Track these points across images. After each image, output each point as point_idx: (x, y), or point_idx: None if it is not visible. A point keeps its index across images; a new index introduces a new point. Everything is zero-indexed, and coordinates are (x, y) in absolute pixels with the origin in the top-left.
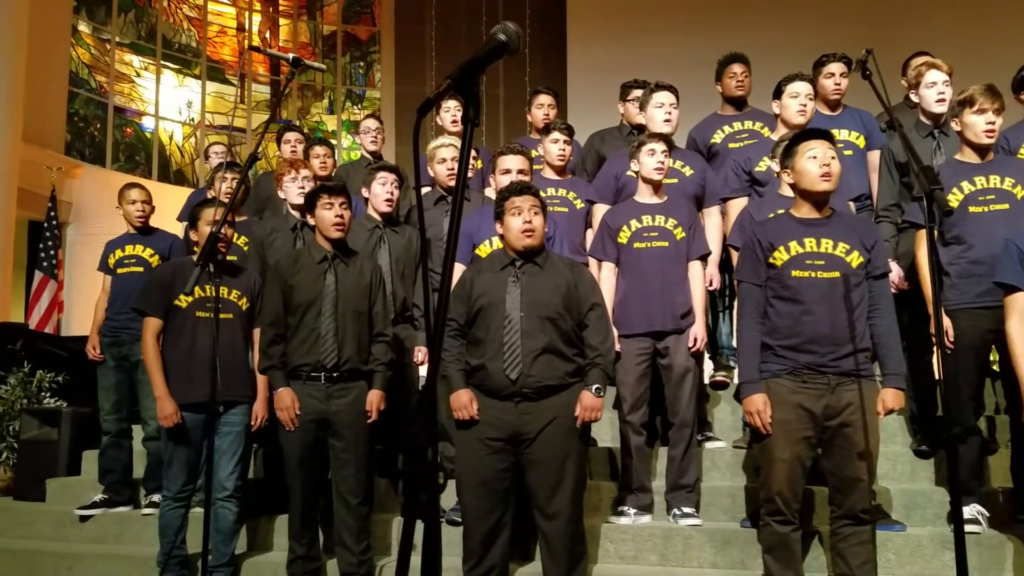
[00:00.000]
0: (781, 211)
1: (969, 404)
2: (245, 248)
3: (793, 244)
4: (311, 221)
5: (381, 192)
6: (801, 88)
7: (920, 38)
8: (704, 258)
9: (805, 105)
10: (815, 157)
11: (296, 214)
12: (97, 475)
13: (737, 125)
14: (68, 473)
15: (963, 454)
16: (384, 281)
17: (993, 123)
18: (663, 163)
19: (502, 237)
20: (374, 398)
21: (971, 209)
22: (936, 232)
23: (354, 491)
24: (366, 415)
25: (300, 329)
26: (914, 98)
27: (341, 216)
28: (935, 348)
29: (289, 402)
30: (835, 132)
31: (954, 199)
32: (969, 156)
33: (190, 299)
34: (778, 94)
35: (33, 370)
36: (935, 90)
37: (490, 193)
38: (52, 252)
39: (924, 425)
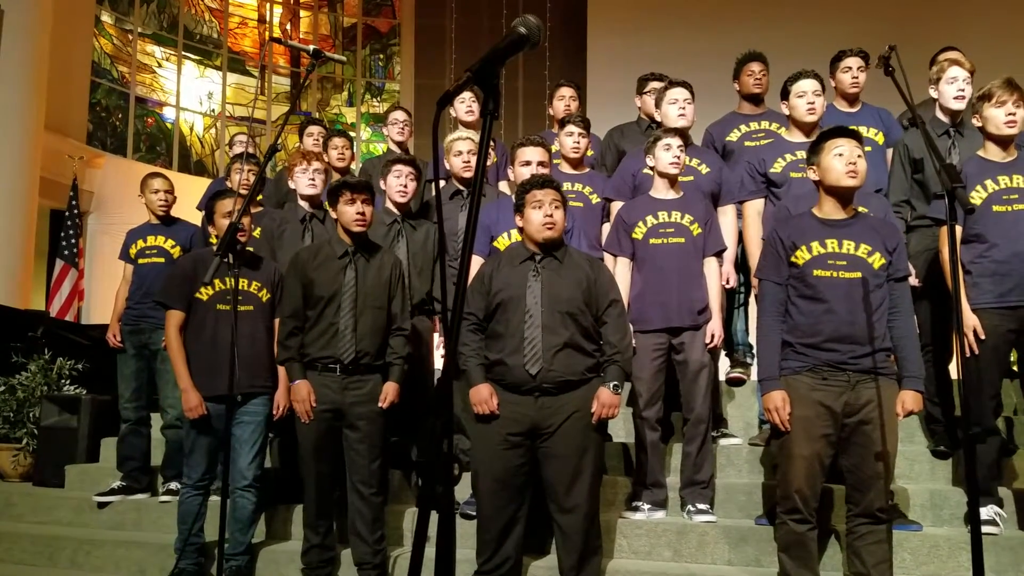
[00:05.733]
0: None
1: (988, 404)
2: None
3: (815, 244)
4: (325, 213)
5: (395, 184)
6: (807, 86)
7: (948, 34)
8: (720, 254)
9: (813, 102)
10: (841, 154)
11: (305, 205)
12: (116, 462)
13: (754, 125)
14: (87, 460)
15: (981, 454)
16: (404, 275)
17: (1014, 114)
18: (679, 157)
19: (522, 230)
20: (389, 390)
21: (995, 208)
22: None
23: (368, 482)
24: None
25: (319, 322)
26: (933, 93)
27: (362, 212)
28: (954, 347)
29: (305, 394)
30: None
31: (978, 197)
32: (993, 153)
33: (211, 291)
34: (785, 95)
35: (53, 357)
36: (955, 86)
37: (504, 186)
38: (73, 241)
39: (942, 425)
